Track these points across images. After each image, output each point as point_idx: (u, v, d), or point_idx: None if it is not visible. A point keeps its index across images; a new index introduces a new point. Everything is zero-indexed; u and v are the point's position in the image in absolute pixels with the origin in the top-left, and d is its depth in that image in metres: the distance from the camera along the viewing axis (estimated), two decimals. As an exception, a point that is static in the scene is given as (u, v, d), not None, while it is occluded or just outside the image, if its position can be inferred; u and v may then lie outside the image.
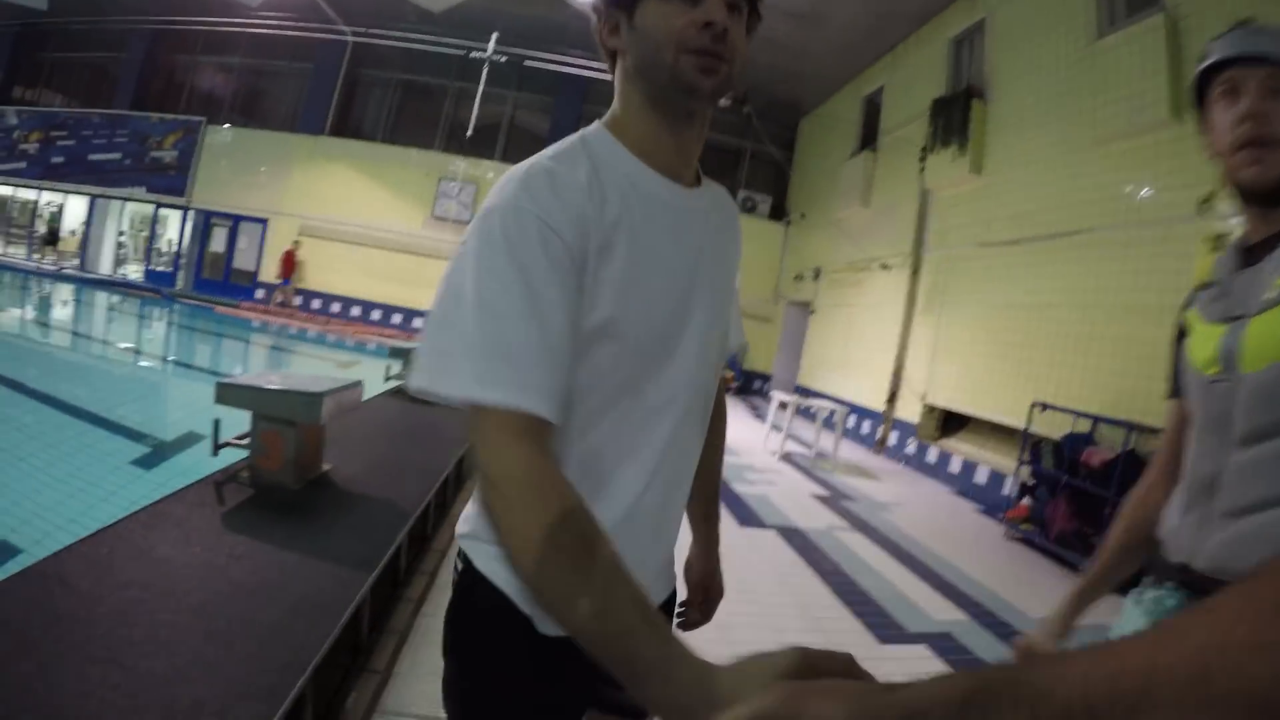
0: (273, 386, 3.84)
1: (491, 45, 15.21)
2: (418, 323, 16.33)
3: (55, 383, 8.14)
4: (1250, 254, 1.29)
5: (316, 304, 18.95)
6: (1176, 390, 1.46)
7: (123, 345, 12.64)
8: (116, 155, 20.84)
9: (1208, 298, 1.37)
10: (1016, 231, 8.82)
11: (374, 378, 7.60)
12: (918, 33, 12.43)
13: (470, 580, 1.10)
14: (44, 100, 23.39)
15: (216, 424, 3.98)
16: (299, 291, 18.87)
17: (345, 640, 2.70)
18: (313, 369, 11.17)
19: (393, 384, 7.46)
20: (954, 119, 10.06)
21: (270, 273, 19.10)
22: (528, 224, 0.91)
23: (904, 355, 11.19)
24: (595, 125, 1.09)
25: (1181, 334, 1.43)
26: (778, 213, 18.69)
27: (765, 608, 4.19)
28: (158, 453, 5.79)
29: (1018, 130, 9.11)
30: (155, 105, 21.05)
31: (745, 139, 19.03)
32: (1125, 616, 1.45)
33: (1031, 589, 5.30)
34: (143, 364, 11.16)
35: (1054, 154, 8.34)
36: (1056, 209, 8.16)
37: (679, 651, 0.70)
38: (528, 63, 17.24)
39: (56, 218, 21.24)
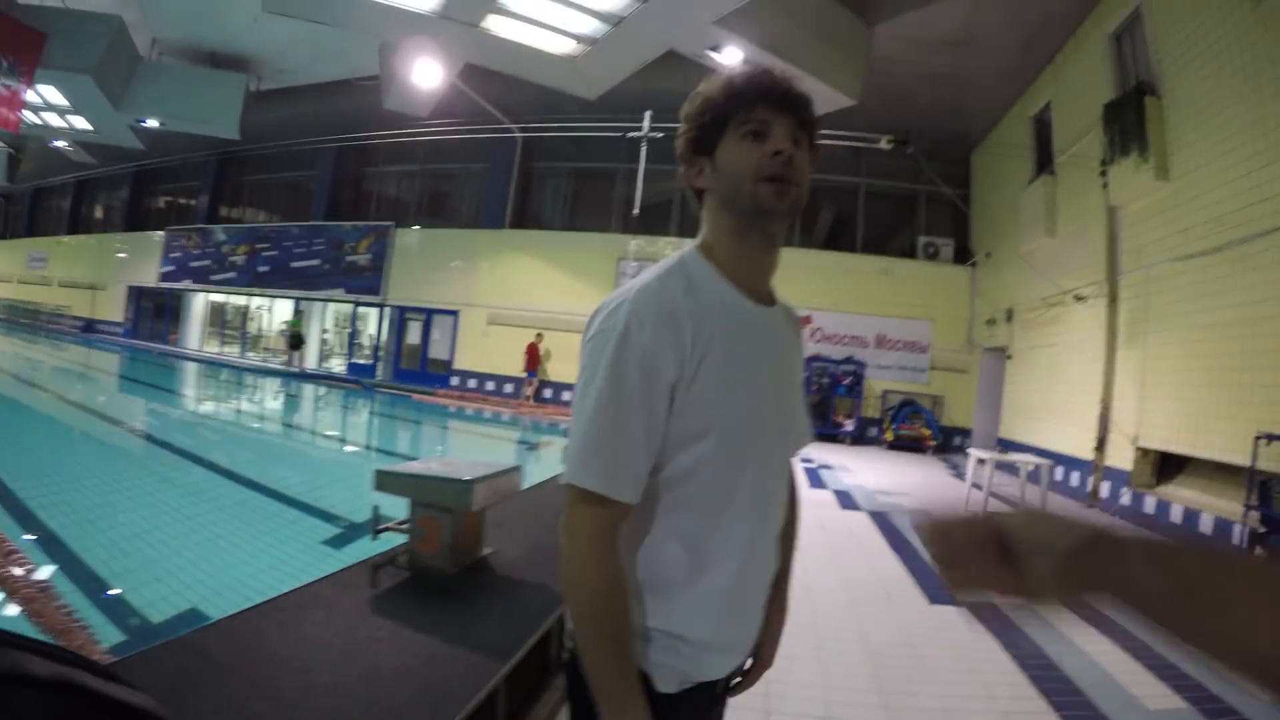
0: (425, 473, 3.88)
1: (646, 122, 15.32)
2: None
3: (264, 468, 8.91)
4: None
5: (509, 388, 19.86)
6: None
7: (328, 433, 13.64)
8: (316, 261, 23.27)
9: None
10: (1218, 236, 7.55)
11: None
12: (1074, 37, 11.38)
13: None
14: (248, 217, 26.95)
15: (375, 509, 4.06)
16: (544, 384, 19.45)
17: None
18: (505, 451, 11.92)
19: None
20: (1129, 122, 8.94)
21: (464, 361, 20.25)
22: (632, 351, 1.14)
23: (1110, 395, 9.85)
24: (690, 249, 1.30)
25: None
26: (962, 255, 17.45)
27: (955, 705, 3.57)
28: (349, 533, 6.05)
29: (1201, 121, 7.90)
30: (348, 214, 23.54)
31: (918, 183, 18.04)
32: None
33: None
34: (345, 449, 11.97)
35: (1249, 137, 7.12)
36: (1262, 201, 6.90)
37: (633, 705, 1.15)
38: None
39: (299, 321, 23.38)
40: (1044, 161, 12.95)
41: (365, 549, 4.16)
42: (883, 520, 8.06)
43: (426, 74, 14.16)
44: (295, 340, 23.07)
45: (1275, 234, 6.63)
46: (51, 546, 5.14)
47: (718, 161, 1.25)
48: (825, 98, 12.47)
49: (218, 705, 2.37)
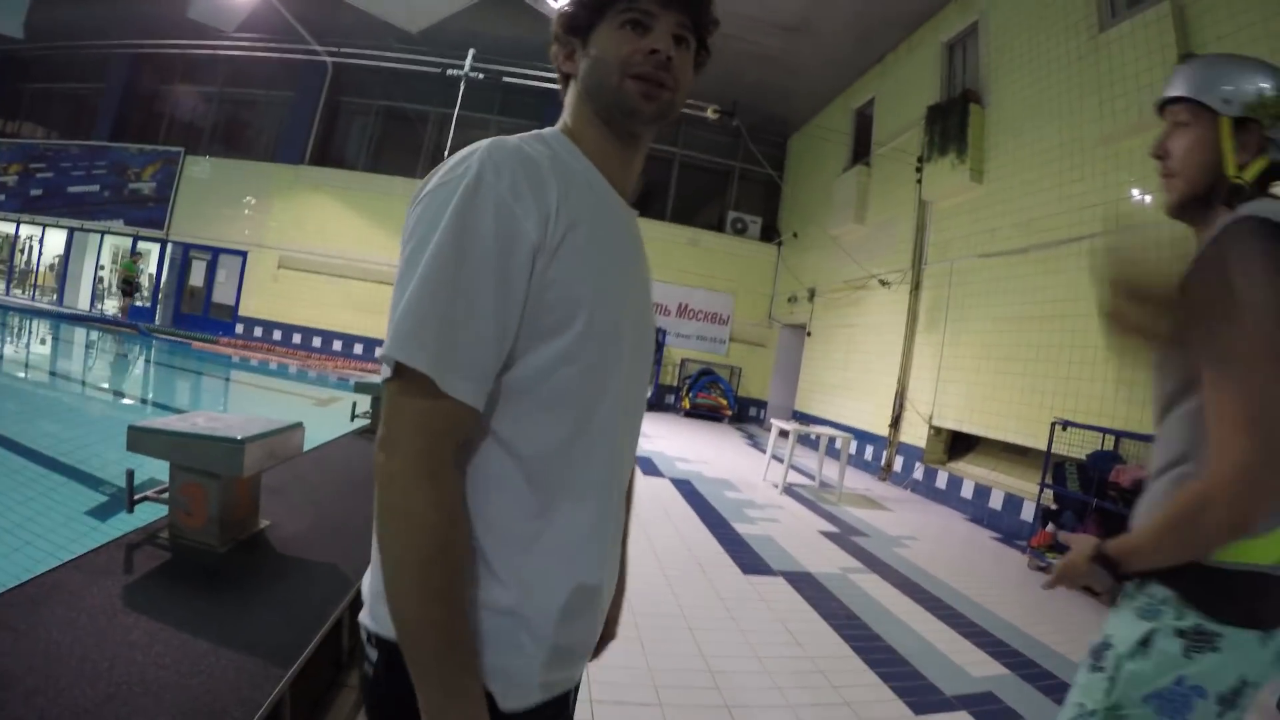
0: (188, 430, 3.25)
1: (468, 62, 14.66)
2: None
3: (25, 422, 7.68)
4: None
5: (297, 338, 18.32)
6: None
7: (100, 384, 12.06)
8: (95, 187, 20.35)
9: None
10: (1023, 239, 8.34)
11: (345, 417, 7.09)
12: (908, 39, 12.09)
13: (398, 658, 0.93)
14: (24, 132, 23.07)
15: (130, 475, 3.43)
16: (335, 337, 17.98)
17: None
18: (293, 407, 10.76)
19: (360, 424, 6.74)
20: (951, 125, 9.64)
21: (250, 307, 18.53)
22: (485, 199, 0.91)
23: (907, 375, 10.70)
24: (550, 129, 1.11)
25: None
26: (769, 234, 18.26)
27: (777, 670, 3.60)
28: (116, 502, 5.18)
29: (1018, 133, 8.67)
30: (135, 136, 20.64)
31: (733, 159, 18.65)
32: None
33: (1070, 628, 4.73)
34: (120, 404, 10.62)
35: (1058, 155, 7.89)
36: (1064, 213, 7.71)
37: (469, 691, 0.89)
38: (507, 79, 16.74)
39: (133, 265, 20.02)
40: (861, 152, 13.71)
41: (128, 522, 3.53)
42: (686, 487, 8.10)
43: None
44: (128, 286, 20.00)
45: (1078, 242, 7.42)
46: None
47: (590, 46, 1.08)
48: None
49: None
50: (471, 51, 14.70)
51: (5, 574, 3.57)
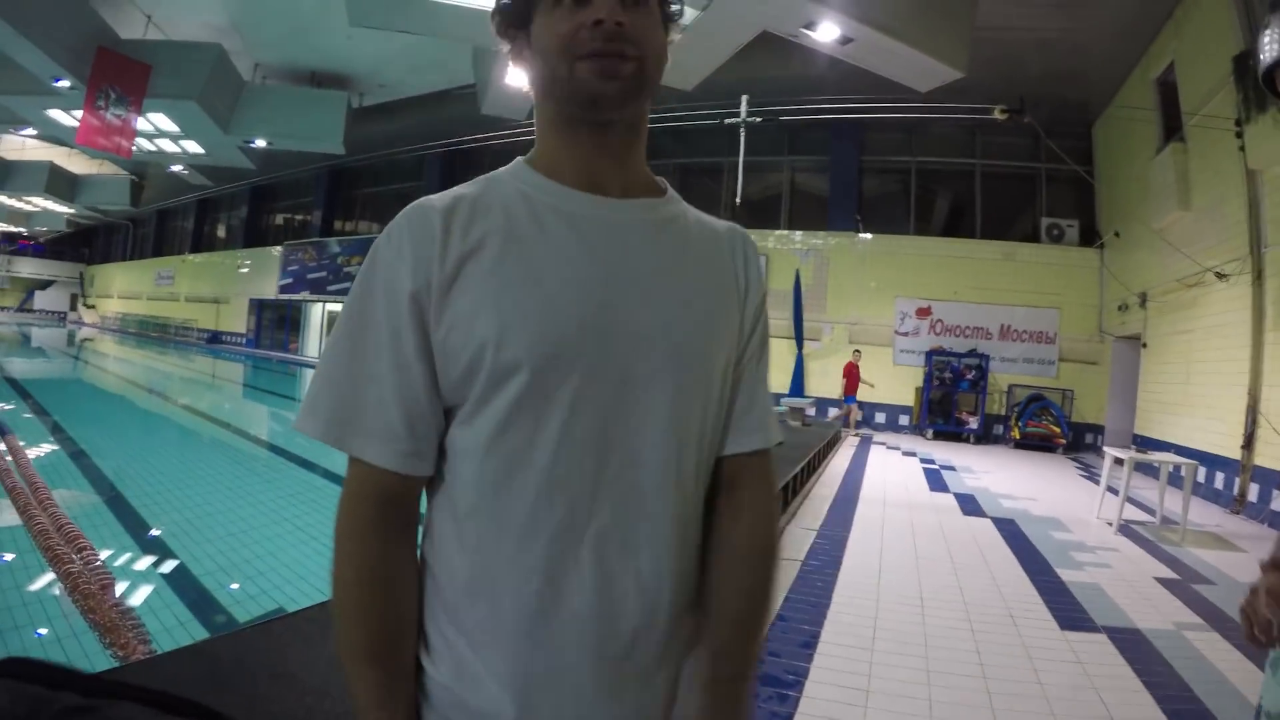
0: None
1: (744, 108, 14.79)
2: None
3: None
4: None
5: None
6: None
7: None
8: None
9: None
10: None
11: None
12: (1195, -18, 10.32)
13: None
14: (360, 229, 28.16)
15: None
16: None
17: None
18: None
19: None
20: (1266, 76, 7.93)
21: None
22: (378, 269, 0.89)
23: (1258, 384, 8.84)
24: (516, 159, 1.01)
25: None
26: (1088, 236, 16.22)
27: None
28: None
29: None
30: None
31: (1037, 160, 16.89)
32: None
33: None
34: None
35: None
36: None
37: None
38: (784, 119, 16.78)
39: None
40: (1172, 127, 11.85)
41: None
42: (1009, 528, 7.44)
43: (518, 76, 14.06)
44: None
45: None
46: (153, 545, 5.41)
47: (533, 37, 0.94)
48: (931, 72, 11.86)
49: None
50: (745, 98, 14.77)
51: (321, 591, 4.22)
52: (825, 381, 17.22)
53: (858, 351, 16.30)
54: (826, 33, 11.04)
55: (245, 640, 2.95)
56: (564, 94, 0.93)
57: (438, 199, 0.90)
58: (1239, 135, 8.86)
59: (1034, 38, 12.70)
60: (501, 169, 0.98)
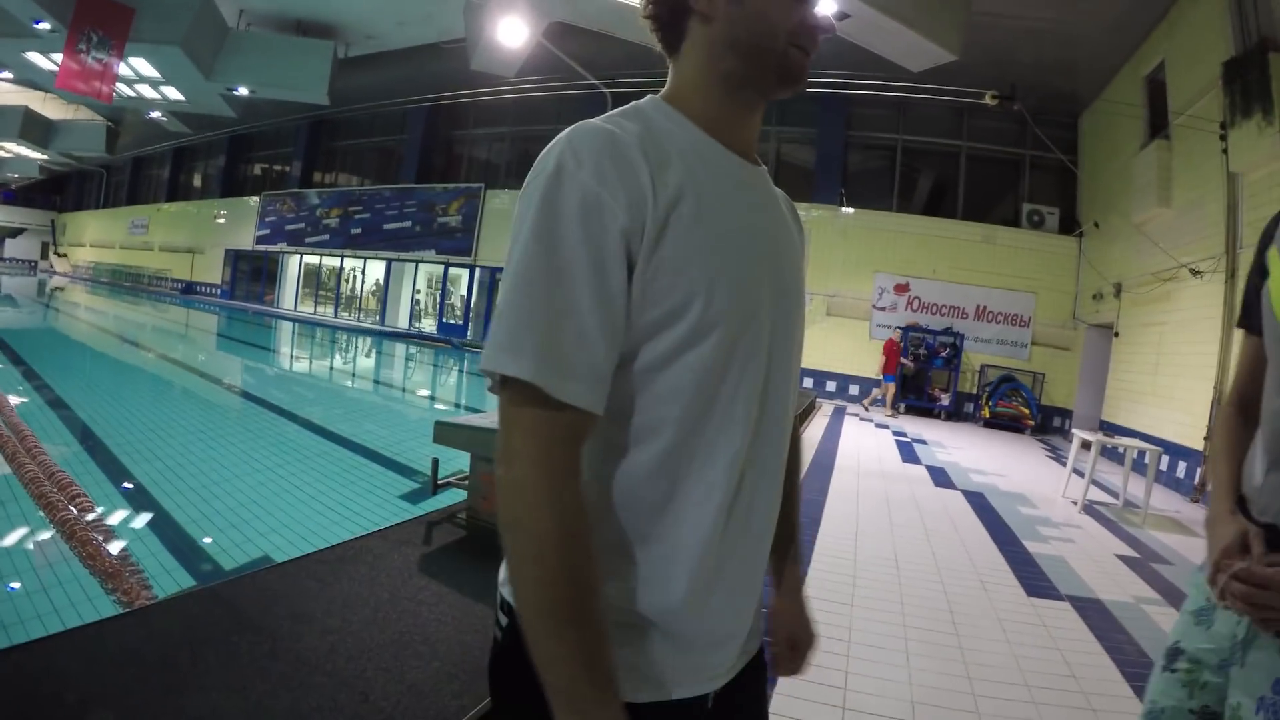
0: (485, 425, 3.75)
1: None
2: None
3: (351, 423, 9.17)
4: None
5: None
6: (1251, 324, 1.43)
7: (418, 391, 13.96)
8: (408, 223, 24.01)
9: None
10: (1359, 209, 6.73)
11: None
12: (1191, -14, 10.35)
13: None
14: (340, 181, 27.99)
15: (435, 463, 4.12)
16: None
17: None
18: None
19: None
20: (1251, 82, 8.15)
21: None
22: (568, 192, 0.83)
23: (1224, 380, 9.04)
24: (650, 97, 1.01)
25: (1263, 272, 1.38)
26: (1068, 225, 16.39)
27: (1045, 701, 3.30)
28: (426, 490, 5.97)
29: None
30: (439, 177, 24.15)
31: (1022, 147, 17.02)
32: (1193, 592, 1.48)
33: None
34: (434, 407, 12.18)
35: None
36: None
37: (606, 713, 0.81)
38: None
39: None
40: (1158, 125, 11.96)
41: (433, 505, 4.20)
42: (978, 500, 7.70)
43: (512, 33, 14.12)
44: None
45: None
46: (135, 495, 5.40)
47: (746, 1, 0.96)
48: (926, 53, 11.89)
49: (231, 660, 2.32)
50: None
51: (323, 538, 4.43)
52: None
53: (898, 329, 16.30)
54: (824, 6, 10.91)
55: (260, 583, 3.04)
56: (767, 63, 0.98)
57: (618, 130, 0.89)
58: (1223, 138, 8.97)
59: (1028, 26, 12.71)
60: (644, 107, 0.99)
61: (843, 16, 11.00)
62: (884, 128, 18.10)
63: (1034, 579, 5.17)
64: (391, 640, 2.53)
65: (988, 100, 14.16)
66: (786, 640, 1.29)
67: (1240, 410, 1.45)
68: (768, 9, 0.96)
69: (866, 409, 15.93)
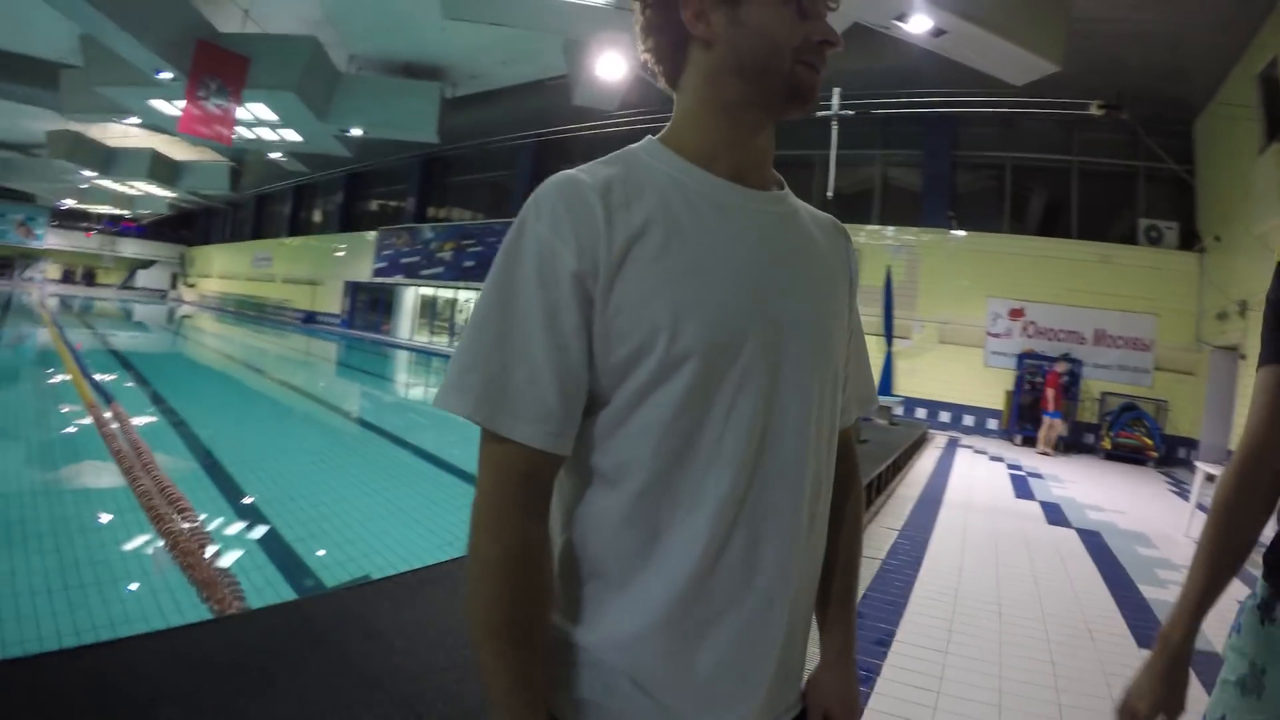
0: None
1: (835, 100, 14.55)
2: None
3: (464, 449, 9.34)
4: None
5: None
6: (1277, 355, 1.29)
7: None
8: None
9: None
10: None
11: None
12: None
13: None
14: (453, 216, 29.18)
15: None
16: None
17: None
18: None
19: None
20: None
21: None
22: (527, 243, 0.89)
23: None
24: (646, 138, 1.03)
25: None
26: (1188, 240, 15.43)
27: None
28: None
29: None
30: None
31: (1135, 159, 16.11)
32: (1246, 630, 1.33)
33: None
34: None
35: None
36: None
37: None
38: (877, 112, 16.43)
39: None
40: (1276, 126, 11.17)
41: None
42: (1093, 539, 7.24)
43: (611, 67, 14.34)
44: None
45: None
46: (249, 510, 5.73)
47: (742, 14, 0.95)
48: (1027, 64, 11.55)
49: (298, 671, 2.43)
50: (837, 90, 14.58)
51: (405, 560, 4.70)
52: (913, 381, 16.90)
53: (1060, 360, 15.30)
54: (918, 24, 10.83)
55: (339, 600, 3.15)
56: (774, 84, 0.97)
57: (585, 176, 0.92)
58: (1349, 137, 8.40)
59: (1130, 31, 12.20)
60: (634, 148, 1.00)
61: (939, 33, 10.84)
62: (991, 146, 17.59)
63: (1148, 628, 4.73)
64: (455, 665, 2.57)
65: (1094, 110, 13.60)
66: (820, 709, 1.17)
67: (1256, 468, 1.28)
68: (770, 28, 0.95)
69: (1048, 452, 14.57)
